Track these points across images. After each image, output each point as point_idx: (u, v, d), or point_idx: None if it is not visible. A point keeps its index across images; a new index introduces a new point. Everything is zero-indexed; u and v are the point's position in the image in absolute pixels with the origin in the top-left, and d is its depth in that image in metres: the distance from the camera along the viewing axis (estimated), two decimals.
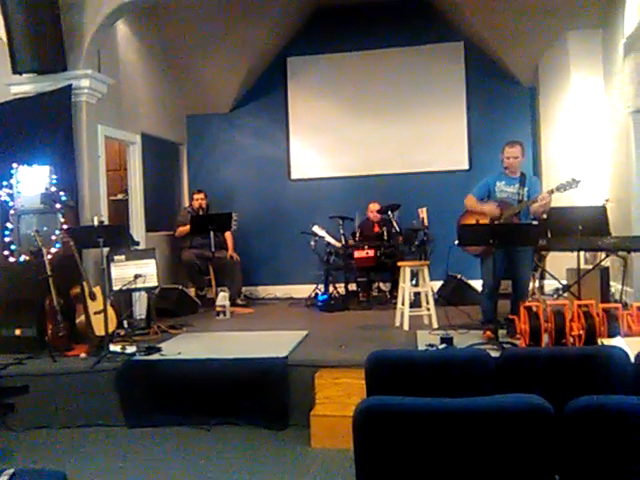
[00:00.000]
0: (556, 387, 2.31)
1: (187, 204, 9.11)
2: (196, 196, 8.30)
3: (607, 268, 6.14)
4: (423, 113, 8.92)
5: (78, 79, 6.25)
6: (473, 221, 5.39)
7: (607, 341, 4.33)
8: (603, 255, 6.00)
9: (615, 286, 6.25)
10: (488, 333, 5.22)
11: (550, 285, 7.07)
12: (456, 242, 5.19)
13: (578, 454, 1.88)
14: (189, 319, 7.02)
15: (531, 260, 5.53)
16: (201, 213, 8.18)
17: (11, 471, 2.26)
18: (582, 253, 5.64)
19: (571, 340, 4.51)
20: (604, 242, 5.54)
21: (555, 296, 6.78)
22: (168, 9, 7.86)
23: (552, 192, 5.13)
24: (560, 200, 6.72)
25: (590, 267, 6.00)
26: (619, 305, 5.03)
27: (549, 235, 5.86)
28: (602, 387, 2.46)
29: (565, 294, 6.05)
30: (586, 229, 5.32)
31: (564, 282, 6.33)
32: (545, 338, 4.63)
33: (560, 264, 6.52)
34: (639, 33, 5.72)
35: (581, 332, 4.49)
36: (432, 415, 1.92)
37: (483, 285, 5.52)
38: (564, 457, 1.90)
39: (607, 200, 6.14)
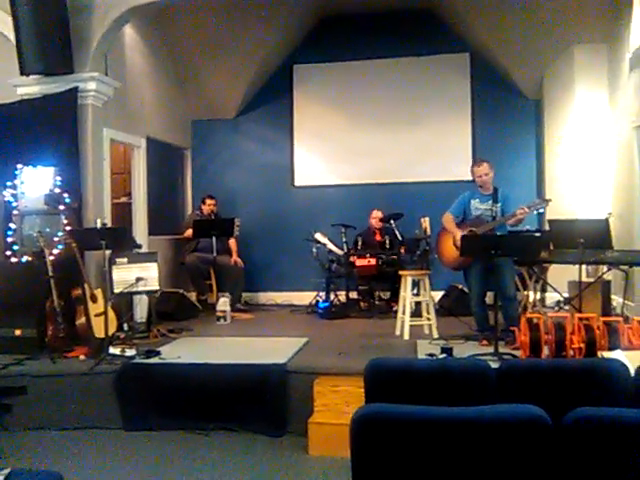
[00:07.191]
0: (555, 399, 2.30)
1: (190, 209, 9.13)
2: (208, 201, 8.25)
3: (609, 281, 6.13)
4: (428, 123, 8.92)
5: (84, 82, 6.29)
6: (450, 240, 5.50)
7: (607, 354, 4.31)
8: (605, 268, 5.99)
9: (616, 300, 6.24)
10: (485, 342, 5.31)
11: (551, 297, 7.05)
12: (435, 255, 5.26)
13: (576, 465, 1.87)
14: (189, 323, 7.02)
15: (512, 265, 5.54)
16: (213, 218, 8.17)
17: (7, 471, 2.26)
18: (584, 266, 5.63)
19: (571, 353, 4.50)
20: (606, 255, 5.53)
21: (556, 308, 6.76)
22: (175, 14, 7.90)
23: (528, 208, 5.23)
24: (563, 213, 6.72)
25: (592, 280, 5.99)
26: (620, 319, 5.01)
27: (551, 247, 5.86)
28: (601, 400, 2.44)
29: (566, 307, 6.04)
30: (588, 242, 5.32)
31: (565, 295, 6.32)
32: (545, 350, 4.63)
33: (562, 277, 6.50)
34: None
35: (581, 345, 4.48)
36: (429, 423, 1.92)
37: (470, 295, 5.59)
38: (561, 468, 1.89)
39: (610, 214, 6.13)
